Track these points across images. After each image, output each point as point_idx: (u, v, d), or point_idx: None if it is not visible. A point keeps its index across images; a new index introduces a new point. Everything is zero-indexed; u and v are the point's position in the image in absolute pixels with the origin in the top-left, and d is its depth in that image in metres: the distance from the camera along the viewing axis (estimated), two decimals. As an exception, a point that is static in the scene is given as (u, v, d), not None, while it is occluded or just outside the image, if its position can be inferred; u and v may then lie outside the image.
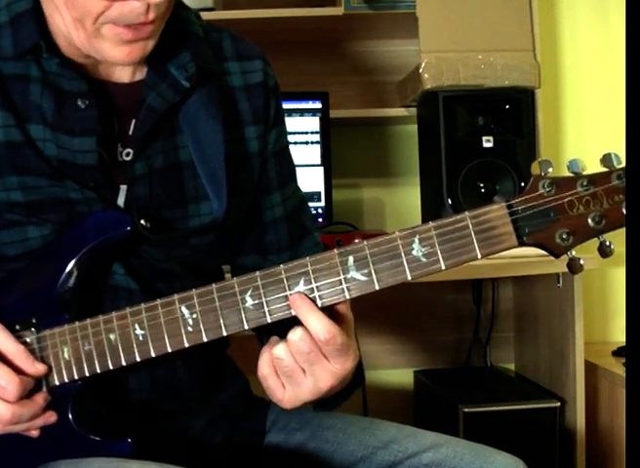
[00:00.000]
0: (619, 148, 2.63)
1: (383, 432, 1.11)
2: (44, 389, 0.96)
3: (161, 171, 1.03)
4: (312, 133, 2.13)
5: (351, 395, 1.03)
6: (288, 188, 1.17)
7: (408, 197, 2.35)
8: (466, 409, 1.90)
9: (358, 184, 2.39)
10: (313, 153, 2.13)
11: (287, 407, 0.92)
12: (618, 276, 2.36)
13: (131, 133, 1.02)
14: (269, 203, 1.15)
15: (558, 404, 1.93)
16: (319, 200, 2.14)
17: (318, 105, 2.14)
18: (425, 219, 2.14)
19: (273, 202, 1.15)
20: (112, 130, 1.01)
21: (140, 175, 1.01)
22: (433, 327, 2.36)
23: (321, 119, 2.14)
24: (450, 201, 1.95)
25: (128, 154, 1.02)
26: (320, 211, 2.14)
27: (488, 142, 1.98)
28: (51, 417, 0.95)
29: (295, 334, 0.88)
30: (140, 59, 0.97)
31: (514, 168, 1.96)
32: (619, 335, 2.37)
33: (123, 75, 1.03)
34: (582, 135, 2.41)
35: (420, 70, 2.00)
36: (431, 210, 2.08)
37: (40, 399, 0.94)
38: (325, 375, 0.89)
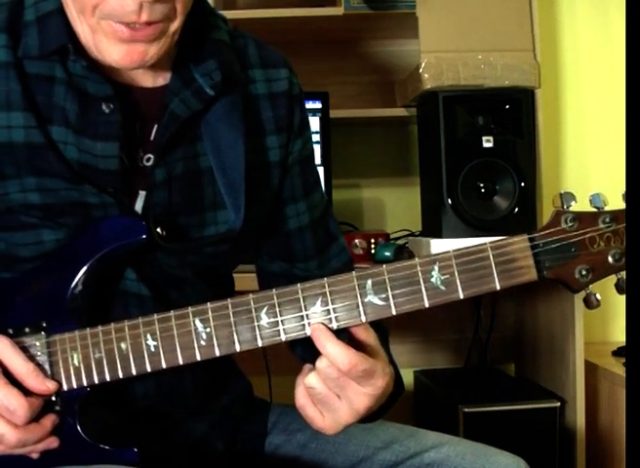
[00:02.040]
0: (618, 148, 2.63)
1: (385, 432, 1.11)
2: (52, 397, 0.95)
3: (181, 177, 1.01)
4: (312, 133, 2.12)
5: (394, 404, 1.03)
6: (313, 196, 1.16)
7: (408, 197, 2.35)
8: (466, 409, 1.90)
9: (358, 184, 2.39)
10: (313, 153, 2.13)
11: (330, 433, 0.92)
12: (617, 276, 2.36)
13: (152, 138, 1.01)
14: (295, 211, 1.14)
15: (558, 404, 1.93)
16: (319, 200, 2.14)
17: (318, 105, 2.14)
18: (426, 219, 2.15)
19: (299, 210, 1.14)
20: (134, 134, 1.00)
21: (159, 181, 1.00)
22: (433, 327, 2.36)
23: (321, 119, 2.14)
24: (450, 201, 1.95)
25: (149, 160, 1.00)
26: (320, 211, 2.14)
27: (488, 142, 1.97)
28: (53, 443, 0.94)
29: (322, 362, 0.88)
30: (140, 66, 0.94)
31: (514, 168, 1.96)
32: (619, 335, 2.37)
33: (146, 80, 1.01)
34: (582, 135, 2.41)
35: (420, 70, 2.00)
36: (431, 210, 2.08)
37: (48, 422, 0.93)
38: (359, 398, 0.89)
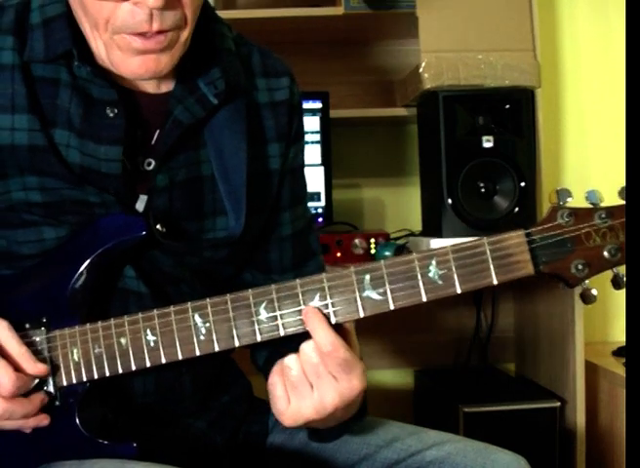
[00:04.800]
0: (619, 147, 2.62)
1: (386, 431, 1.11)
2: (51, 388, 0.96)
3: (182, 184, 1.02)
4: (312, 132, 2.13)
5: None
6: (298, 208, 1.16)
7: (408, 197, 2.35)
8: (466, 409, 1.90)
9: (358, 184, 2.39)
10: (313, 153, 2.13)
11: (287, 423, 0.92)
12: (618, 276, 2.36)
13: (154, 143, 1.02)
14: (279, 220, 1.14)
15: (558, 404, 1.93)
16: (319, 200, 2.14)
17: (318, 105, 2.14)
18: (426, 219, 2.15)
19: (282, 220, 1.14)
20: (136, 139, 1.01)
21: (161, 186, 1.01)
22: (433, 327, 2.36)
23: (321, 119, 2.14)
24: (450, 201, 1.95)
25: (150, 164, 1.01)
26: (320, 211, 2.14)
27: (488, 142, 1.97)
28: (44, 420, 0.95)
29: (308, 344, 0.89)
30: (155, 75, 0.96)
31: (514, 168, 1.96)
32: (619, 335, 2.37)
33: (149, 86, 1.02)
34: (583, 134, 2.41)
35: (420, 70, 2.00)
36: (431, 210, 2.08)
37: (37, 399, 0.94)
38: (331, 394, 0.89)
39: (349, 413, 0.96)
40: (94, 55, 0.98)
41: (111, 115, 0.98)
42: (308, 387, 0.89)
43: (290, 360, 0.89)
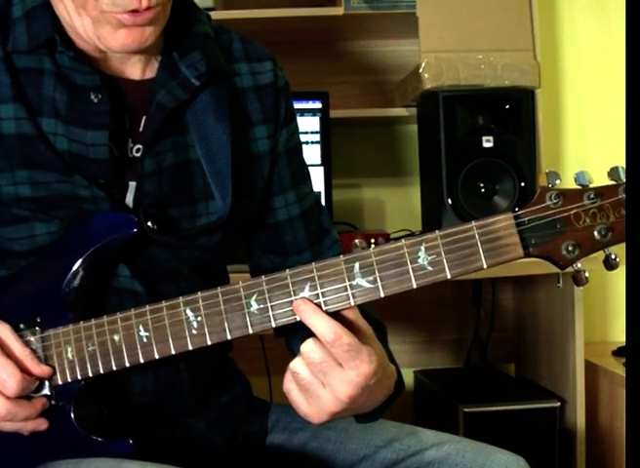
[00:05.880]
0: (619, 147, 2.62)
1: (385, 431, 1.11)
2: (46, 389, 0.96)
3: (170, 168, 1.03)
4: (312, 133, 2.13)
5: (391, 406, 1.02)
6: (303, 187, 1.17)
7: (408, 197, 2.35)
8: (466, 409, 1.90)
9: (358, 184, 2.39)
10: (313, 153, 2.13)
11: (315, 422, 0.91)
12: (618, 276, 2.36)
13: (142, 129, 1.02)
14: (284, 202, 1.14)
15: (558, 404, 1.93)
16: (319, 200, 2.14)
17: (318, 105, 2.14)
18: (426, 219, 2.15)
19: (288, 201, 1.15)
20: (123, 125, 1.02)
21: (149, 171, 1.01)
22: (433, 327, 2.36)
23: (321, 119, 2.14)
24: (450, 201, 1.95)
25: (138, 150, 1.02)
26: (320, 211, 2.14)
27: (488, 142, 1.98)
28: (42, 424, 0.95)
29: (306, 346, 0.88)
30: (139, 47, 0.97)
31: (514, 168, 1.96)
32: (619, 335, 2.37)
33: (134, 72, 1.03)
34: (582, 134, 2.41)
35: (420, 70, 2.00)
36: (431, 210, 2.08)
37: (38, 403, 0.95)
38: (342, 386, 0.88)
39: (381, 395, 0.95)
40: (74, 43, 0.99)
41: (95, 101, 0.98)
42: (320, 386, 0.89)
43: (296, 364, 0.89)
